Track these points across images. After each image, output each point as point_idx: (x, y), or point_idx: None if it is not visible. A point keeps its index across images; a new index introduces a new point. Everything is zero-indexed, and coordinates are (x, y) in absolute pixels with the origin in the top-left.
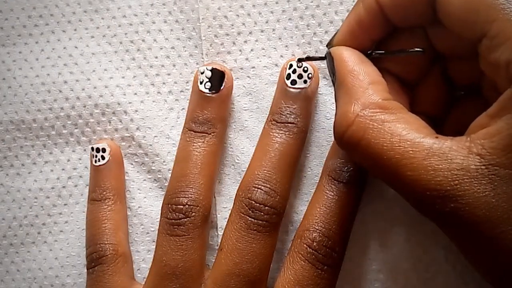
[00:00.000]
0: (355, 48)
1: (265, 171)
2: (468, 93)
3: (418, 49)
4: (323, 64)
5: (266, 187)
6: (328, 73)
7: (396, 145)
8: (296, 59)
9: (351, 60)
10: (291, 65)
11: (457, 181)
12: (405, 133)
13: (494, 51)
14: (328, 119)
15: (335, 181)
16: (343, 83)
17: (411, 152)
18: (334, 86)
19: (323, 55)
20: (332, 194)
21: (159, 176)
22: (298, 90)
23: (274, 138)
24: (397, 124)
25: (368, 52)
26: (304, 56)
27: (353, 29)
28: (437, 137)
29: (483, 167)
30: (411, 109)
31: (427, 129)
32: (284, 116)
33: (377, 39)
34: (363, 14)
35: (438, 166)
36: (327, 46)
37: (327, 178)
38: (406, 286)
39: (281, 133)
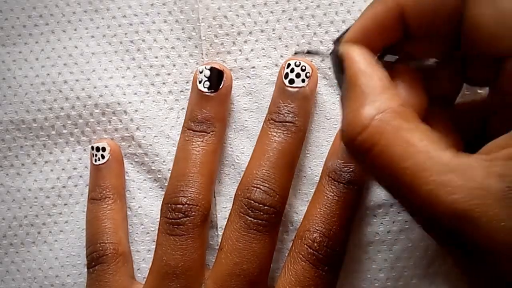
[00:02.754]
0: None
1: (263, 171)
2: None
3: (432, 60)
4: (323, 64)
5: (265, 186)
6: (328, 72)
7: (413, 155)
8: (294, 53)
9: (365, 60)
10: (289, 64)
11: (475, 201)
12: (422, 144)
13: None
14: (328, 119)
15: (335, 182)
16: (355, 83)
17: (428, 164)
18: (340, 86)
19: (325, 52)
20: (332, 194)
21: (159, 176)
22: (296, 89)
23: (272, 138)
24: (414, 133)
25: (378, 55)
26: (304, 51)
27: (368, 28)
28: (455, 152)
29: (506, 189)
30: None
31: (444, 143)
32: (282, 115)
33: (389, 43)
34: (381, 14)
35: (456, 182)
36: (334, 43)
37: (327, 179)
38: (406, 286)
39: (279, 132)
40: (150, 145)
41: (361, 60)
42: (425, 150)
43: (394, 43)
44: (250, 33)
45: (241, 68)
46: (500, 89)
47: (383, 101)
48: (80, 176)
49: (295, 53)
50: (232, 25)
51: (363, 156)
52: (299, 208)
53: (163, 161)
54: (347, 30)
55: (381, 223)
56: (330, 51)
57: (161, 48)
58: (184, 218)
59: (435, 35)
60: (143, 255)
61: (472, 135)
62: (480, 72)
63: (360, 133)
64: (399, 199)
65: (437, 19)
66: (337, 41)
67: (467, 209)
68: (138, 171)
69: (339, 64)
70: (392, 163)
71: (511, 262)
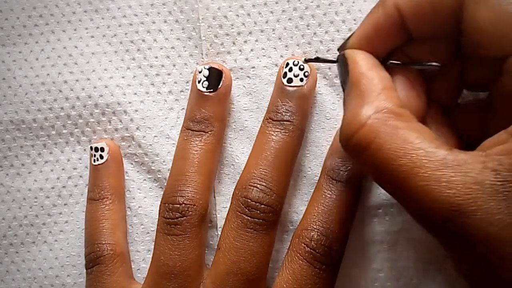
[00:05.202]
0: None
1: (261, 170)
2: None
3: (435, 63)
4: (323, 64)
5: (262, 185)
6: (328, 72)
7: (409, 152)
8: (303, 59)
9: (366, 63)
10: (287, 64)
11: (470, 196)
12: (418, 141)
13: None
14: (328, 119)
15: (333, 180)
16: (356, 85)
17: (424, 161)
18: (344, 89)
19: (334, 59)
20: (330, 193)
21: (159, 176)
22: (294, 88)
23: (270, 136)
24: (411, 132)
25: (381, 60)
26: (313, 57)
27: (369, 35)
28: (450, 149)
29: (498, 183)
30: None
31: (439, 140)
32: (280, 114)
33: (392, 47)
34: (381, 20)
35: (452, 178)
36: (338, 50)
37: (325, 178)
38: (406, 285)
39: (277, 131)
40: (150, 145)
41: (363, 64)
42: (421, 148)
43: (397, 47)
44: (250, 33)
45: (241, 68)
46: (501, 90)
47: (380, 101)
48: (80, 176)
49: (305, 60)
50: (232, 25)
51: (359, 154)
52: (299, 208)
53: (163, 161)
54: (351, 36)
55: (381, 223)
56: (336, 57)
57: (161, 48)
58: (181, 217)
59: (436, 38)
60: (143, 255)
61: (473, 135)
62: (481, 76)
63: (357, 131)
64: (395, 195)
65: (436, 22)
66: (341, 47)
67: (462, 203)
68: (138, 171)
69: (344, 68)
70: (388, 160)
71: (504, 254)
